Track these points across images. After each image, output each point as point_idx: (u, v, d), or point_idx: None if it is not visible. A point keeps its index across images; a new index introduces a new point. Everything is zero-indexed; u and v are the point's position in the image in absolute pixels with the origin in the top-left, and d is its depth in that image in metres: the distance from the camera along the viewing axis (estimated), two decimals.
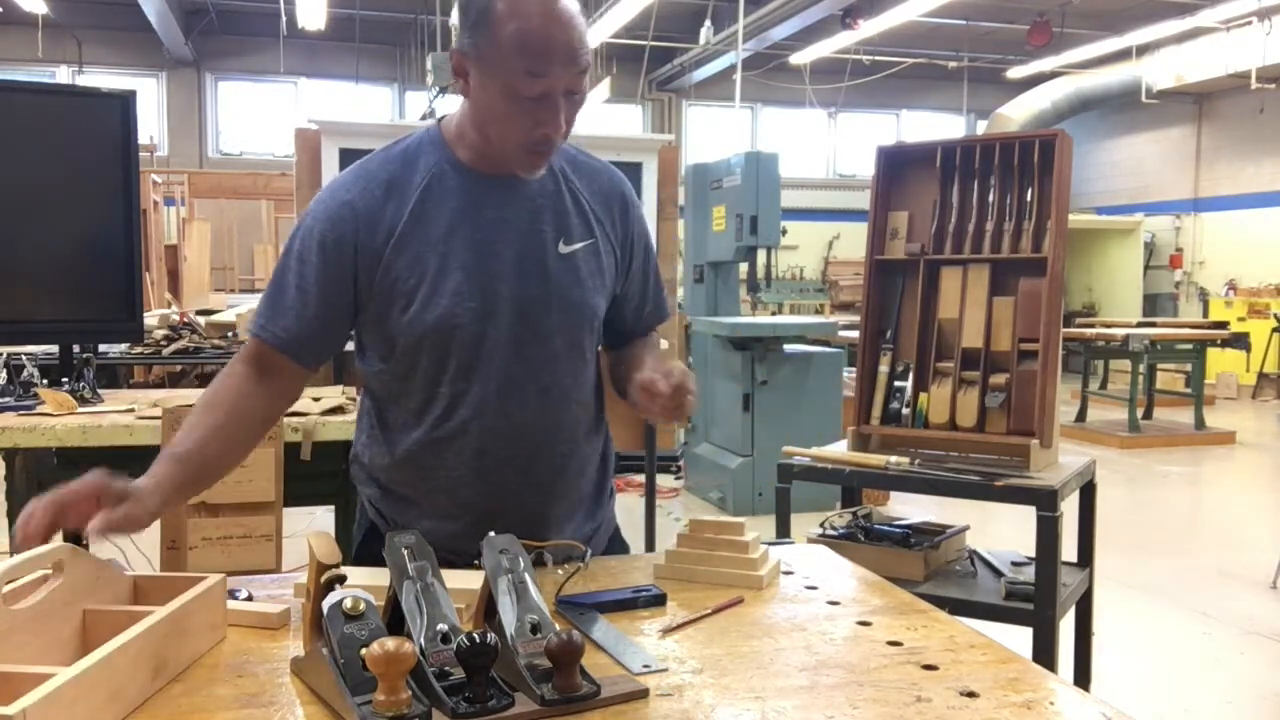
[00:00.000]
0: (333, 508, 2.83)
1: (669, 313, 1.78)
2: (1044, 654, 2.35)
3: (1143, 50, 13.56)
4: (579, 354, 1.56)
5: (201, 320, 5.62)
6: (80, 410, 2.67)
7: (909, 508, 4.86)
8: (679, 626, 1.28)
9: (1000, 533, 4.29)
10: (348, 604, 1.05)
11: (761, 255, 6.68)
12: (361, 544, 1.66)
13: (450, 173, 1.49)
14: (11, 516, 2.62)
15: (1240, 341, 9.38)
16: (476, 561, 1.19)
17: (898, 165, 2.87)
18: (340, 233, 1.45)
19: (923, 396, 2.69)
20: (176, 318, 5.60)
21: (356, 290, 1.47)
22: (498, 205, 1.50)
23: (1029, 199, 2.66)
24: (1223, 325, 10.28)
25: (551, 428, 1.54)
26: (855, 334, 4.03)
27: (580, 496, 1.63)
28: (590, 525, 1.67)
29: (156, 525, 2.42)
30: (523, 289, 1.49)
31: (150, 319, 5.38)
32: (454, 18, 1.47)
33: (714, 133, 15.40)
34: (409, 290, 1.45)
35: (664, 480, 6.77)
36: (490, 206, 1.49)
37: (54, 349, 3.25)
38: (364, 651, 0.97)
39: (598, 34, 11.31)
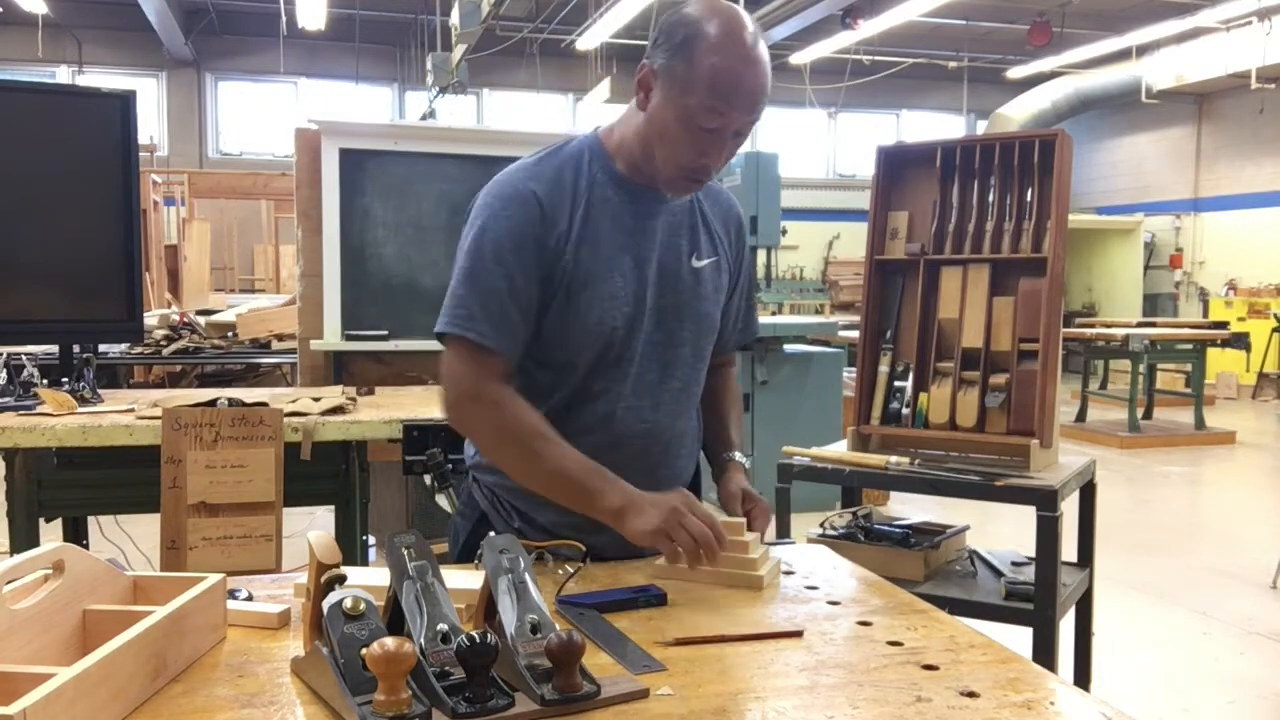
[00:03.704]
0: (333, 508, 2.83)
1: (758, 330, 1.91)
2: (1044, 654, 2.35)
3: (1143, 50, 13.56)
4: (701, 361, 1.69)
5: (201, 320, 5.62)
6: (80, 410, 2.67)
7: (909, 508, 4.86)
8: (686, 642, 1.28)
9: (1000, 533, 4.29)
10: (348, 604, 1.05)
11: (761, 255, 6.68)
12: (470, 534, 1.69)
13: (609, 182, 1.59)
14: (12, 516, 2.63)
15: (1240, 341, 9.39)
16: (477, 563, 1.19)
17: (898, 165, 2.87)
18: (525, 229, 1.52)
19: (923, 396, 2.69)
20: (176, 318, 5.60)
21: (541, 281, 1.54)
22: (646, 216, 1.61)
23: (1029, 199, 2.66)
24: (1223, 325, 10.29)
25: (676, 426, 1.66)
26: (855, 334, 4.03)
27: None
28: None
29: (156, 525, 2.45)
30: (662, 298, 1.61)
31: (150, 319, 5.38)
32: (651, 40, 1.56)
33: None
34: (576, 288, 1.54)
35: None
36: (641, 217, 1.60)
37: (54, 349, 3.25)
38: (364, 651, 0.97)
39: (598, 34, 11.31)
